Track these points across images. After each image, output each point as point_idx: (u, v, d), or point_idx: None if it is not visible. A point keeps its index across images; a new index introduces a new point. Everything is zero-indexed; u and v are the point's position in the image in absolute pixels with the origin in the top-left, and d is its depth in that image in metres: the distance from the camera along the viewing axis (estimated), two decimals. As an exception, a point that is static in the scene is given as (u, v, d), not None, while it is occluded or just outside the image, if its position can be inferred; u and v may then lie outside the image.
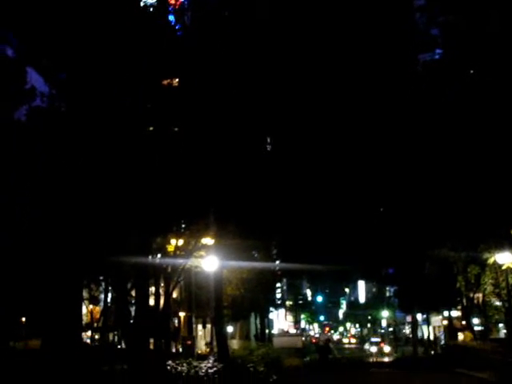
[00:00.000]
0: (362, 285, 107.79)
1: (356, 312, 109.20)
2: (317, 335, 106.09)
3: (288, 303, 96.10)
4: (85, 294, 36.97)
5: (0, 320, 26.37)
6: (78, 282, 10.17)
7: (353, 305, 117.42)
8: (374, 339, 72.69)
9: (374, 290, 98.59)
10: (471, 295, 46.71)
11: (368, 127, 29.52)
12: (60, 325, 9.82)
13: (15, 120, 19.22)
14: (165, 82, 19.64)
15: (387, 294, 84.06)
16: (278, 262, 52.15)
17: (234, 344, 40.54)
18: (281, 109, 23.94)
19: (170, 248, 26.21)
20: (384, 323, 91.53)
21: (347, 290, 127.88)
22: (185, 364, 18.99)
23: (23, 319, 37.89)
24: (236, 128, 20.61)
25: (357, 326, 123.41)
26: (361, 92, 29.00)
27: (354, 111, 28.69)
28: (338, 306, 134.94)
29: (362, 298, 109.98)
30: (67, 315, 9.83)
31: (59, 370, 9.85)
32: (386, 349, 60.39)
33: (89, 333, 40.02)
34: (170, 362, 19.45)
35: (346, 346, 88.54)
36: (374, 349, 62.44)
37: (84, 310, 38.24)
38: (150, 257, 22.93)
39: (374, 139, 30.28)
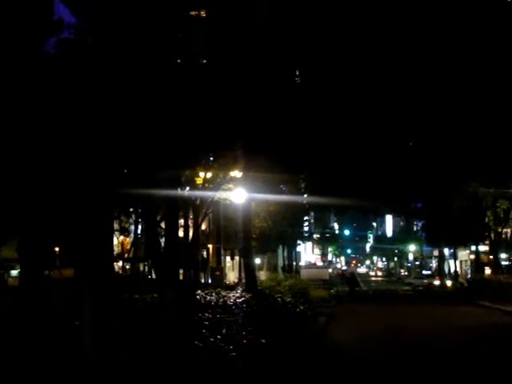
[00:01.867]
0: (389, 219, 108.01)
1: (383, 246, 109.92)
2: (344, 268, 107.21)
3: (315, 236, 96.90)
4: (116, 225, 37.75)
5: (36, 250, 27.11)
6: (110, 212, 10.38)
7: (380, 239, 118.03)
8: (425, 272, 71.23)
9: (401, 224, 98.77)
10: (499, 230, 46.60)
11: (399, 58, 28.91)
12: (92, 255, 10.04)
13: (44, 52, 19.23)
14: (193, 13, 19.38)
15: (414, 229, 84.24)
16: (305, 196, 52.33)
17: (262, 275, 41.25)
18: (310, 39, 23.50)
19: (199, 181, 26.46)
20: (411, 257, 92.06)
21: (374, 224, 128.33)
22: (214, 294, 19.41)
23: (57, 249, 38.97)
24: (265, 59, 20.35)
25: (383, 259, 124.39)
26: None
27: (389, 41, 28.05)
28: (365, 239, 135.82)
29: (389, 232, 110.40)
30: (99, 245, 10.04)
31: (92, 298, 10.13)
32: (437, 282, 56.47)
33: (120, 263, 41.03)
34: (199, 291, 19.91)
35: (373, 278, 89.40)
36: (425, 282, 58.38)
37: (115, 240, 39.10)
38: (180, 189, 23.16)
39: (405, 70, 29.68)
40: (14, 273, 39.83)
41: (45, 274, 33.30)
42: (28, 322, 12.25)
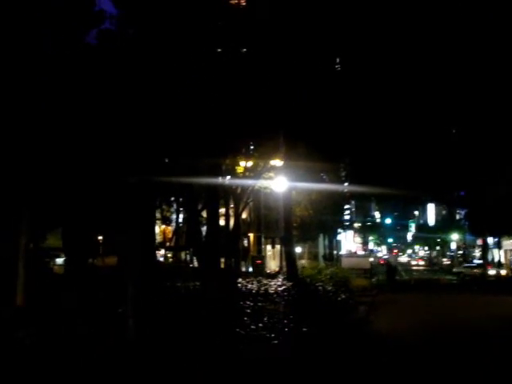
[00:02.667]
0: (431, 207, 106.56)
1: (425, 235, 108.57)
2: (385, 257, 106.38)
3: (356, 225, 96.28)
4: (157, 214, 38.13)
5: (80, 238, 27.59)
6: (152, 202, 10.48)
7: (422, 227, 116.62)
8: (476, 261, 68.72)
9: (443, 212, 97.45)
10: (545, 218, 45.59)
11: (439, 45, 28.43)
12: (135, 243, 10.18)
13: (86, 43, 19.47)
14: (233, 2, 19.38)
15: (457, 217, 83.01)
16: (346, 184, 52.02)
17: (303, 264, 41.13)
18: (351, 26, 23.27)
19: (240, 169, 26.51)
20: (453, 246, 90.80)
21: (416, 212, 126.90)
22: (255, 282, 19.49)
23: (100, 238, 39.56)
24: (306, 47, 20.23)
25: (425, 248, 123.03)
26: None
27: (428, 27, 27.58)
28: (407, 228, 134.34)
29: (431, 221, 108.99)
30: (142, 234, 10.17)
31: (135, 286, 10.29)
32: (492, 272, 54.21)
33: (162, 251, 41.41)
34: (240, 280, 20.00)
35: (414, 268, 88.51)
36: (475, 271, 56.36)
37: (157, 229, 39.52)
38: (220, 178, 23.25)
39: (445, 57, 29.19)
40: (59, 261, 40.58)
41: (89, 262, 33.90)
42: (76, 309, 12.51)
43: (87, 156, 15.98)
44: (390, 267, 45.95)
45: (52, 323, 11.12)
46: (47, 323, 11.18)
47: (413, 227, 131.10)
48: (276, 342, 10.52)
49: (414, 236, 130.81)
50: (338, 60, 27.62)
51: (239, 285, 17.78)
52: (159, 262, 35.77)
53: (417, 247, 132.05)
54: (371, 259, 60.88)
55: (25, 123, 14.61)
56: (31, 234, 17.80)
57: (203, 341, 9.36)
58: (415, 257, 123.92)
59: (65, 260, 34.83)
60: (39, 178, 16.50)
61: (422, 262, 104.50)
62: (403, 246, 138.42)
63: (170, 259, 40.42)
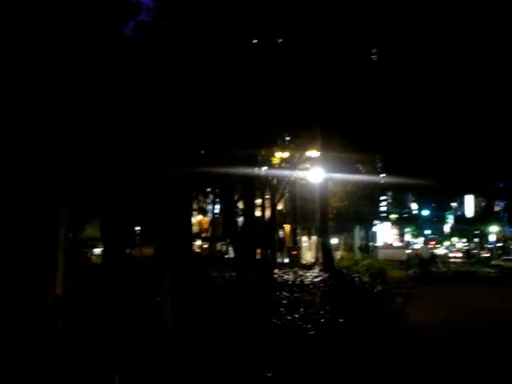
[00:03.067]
0: (470, 199, 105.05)
1: (463, 227, 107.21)
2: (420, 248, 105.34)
3: (393, 216, 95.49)
4: (194, 205, 38.38)
5: (118, 229, 27.94)
6: (189, 192, 10.55)
7: (460, 219, 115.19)
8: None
9: (482, 204, 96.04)
10: None
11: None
12: (172, 234, 10.28)
13: (123, 35, 19.63)
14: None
15: (496, 209, 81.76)
16: (383, 175, 51.60)
17: (339, 255, 40.99)
18: (388, 15, 22.99)
19: (276, 160, 26.52)
20: (492, 238, 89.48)
21: (454, 204, 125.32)
22: (291, 273, 19.52)
23: (137, 228, 40.00)
24: (343, 37, 20.08)
25: (463, 240, 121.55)
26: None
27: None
28: (444, 220, 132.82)
29: (469, 213, 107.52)
30: (178, 225, 10.26)
31: (172, 275, 10.39)
32: None
33: (198, 242, 41.68)
34: (276, 270, 20.05)
35: (452, 260, 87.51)
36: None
37: (193, 220, 39.77)
38: (256, 169, 23.29)
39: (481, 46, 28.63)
40: (97, 251, 41.15)
41: (126, 253, 34.32)
42: (113, 298, 12.68)
43: (126, 148, 16.14)
44: (423, 259, 45.52)
45: (90, 312, 11.31)
46: (85, 312, 11.37)
47: (450, 219, 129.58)
48: (312, 332, 10.52)
49: (451, 228, 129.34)
50: (374, 50, 27.33)
51: (275, 275, 17.82)
52: (195, 252, 36.04)
53: (454, 239, 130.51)
54: (408, 251, 60.41)
55: (64, 116, 14.83)
56: (70, 224, 18.07)
57: (240, 331, 9.40)
58: (453, 249, 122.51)
59: (102, 250, 35.34)
60: (79, 169, 16.73)
61: (459, 255, 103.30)
62: (440, 238, 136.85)
63: (206, 250, 40.67)
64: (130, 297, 12.94)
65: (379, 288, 20.97)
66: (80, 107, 14.48)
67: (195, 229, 41.90)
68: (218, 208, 40.47)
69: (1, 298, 12.19)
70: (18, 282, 15.98)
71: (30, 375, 6.03)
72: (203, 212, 43.99)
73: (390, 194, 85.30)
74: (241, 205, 27.10)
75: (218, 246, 41.64)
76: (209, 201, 41.36)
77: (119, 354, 8.35)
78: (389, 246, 65.46)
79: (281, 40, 20.25)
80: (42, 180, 17.64)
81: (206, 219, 45.22)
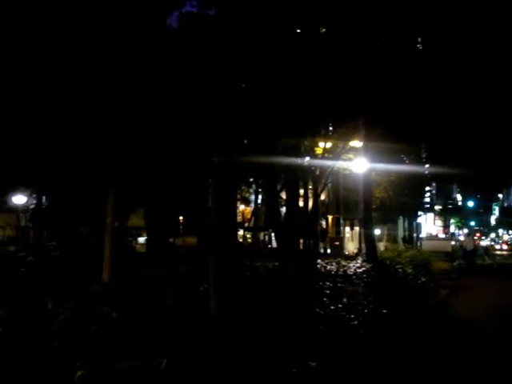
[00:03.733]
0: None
1: (509, 219, 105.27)
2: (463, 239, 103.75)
3: (437, 207, 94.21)
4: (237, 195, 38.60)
5: (161, 218, 28.32)
6: (233, 182, 10.62)
7: (506, 211, 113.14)
8: None
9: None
10: None
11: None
12: (216, 223, 10.34)
13: (167, 26, 19.78)
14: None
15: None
16: (427, 166, 50.89)
17: (382, 246, 40.75)
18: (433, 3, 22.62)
19: (319, 150, 26.40)
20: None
21: (500, 195, 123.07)
22: (333, 263, 19.50)
23: (181, 218, 40.44)
24: (388, 25, 19.85)
25: (510, 232, 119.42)
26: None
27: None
28: (490, 211, 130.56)
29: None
30: (223, 214, 10.31)
31: (217, 265, 10.48)
32: None
33: (241, 232, 41.90)
34: (319, 261, 20.06)
35: (498, 252, 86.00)
36: None
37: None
38: (299, 159, 23.27)
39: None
40: (141, 240, 41.77)
41: (169, 242, 34.78)
42: (157, 286, 12.88)
43: (171, 138, 16.34)
44: (466, 251, 44.84)
45: (135, 299, 11.52)
46: (130, 299, 11.59)
47: (496, 210, 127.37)
48: (356, 322, 10.50)
49: (497, 219, 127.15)
50: (419, 39, 26.93)
51: (318, 266, 17.83)
52: (239, 242, 36.25)
53: (500, 231, 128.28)
54: (453, 242, 59.62)
55: (112, 109, 15.07)
56: (116, 213, 18.41)
57: (283, 320, 9.45)
58: (499, 241, 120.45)
59: (146, 239, 35.90)
60: (124, 160, 17.02)
61: (505, 247, 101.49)
62: (486, 229, 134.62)
63: (249, 240, 40.87)
64: (173, 285, 13.13)
65: (423, 280, 20.78)
66: (127, 99, 14.70)
67: (238, 219, 42.13)
68: (260, 198, 40.59)
69: (55, 284, 12.53)
70: (72, 268, 16.40)
71: (80, 357, 6.20)
72: (246, 202, 44.18)
73: (434, 184, 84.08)
74: (284, 195, 27.11)
75: (261, 235, 41.79)
76: (251, 191, 41.50)
77: (164, 340, 8.48)
78: (433, 238, 64.66)
79: (324, 29, 20.13)
80: (91, 170, 18.02)
81: (249, 209, 45.41)
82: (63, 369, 4.89)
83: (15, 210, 35.94)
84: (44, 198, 34.00)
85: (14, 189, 31.77)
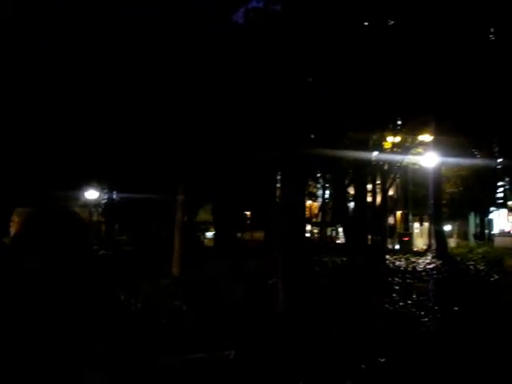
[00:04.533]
0: None
1: None
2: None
3: (510, 203, 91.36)
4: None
5: (229, 213, 28.56)
6: (302, 176, 10.58)
7: None
8: None
9: None
10: None
11: None
12: (285, 217, 10.33)
13: (233, 22, 19.88)
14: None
15: None
16: (499, 160, 49.43)
17: (452, 242, 39.85)
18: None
19: (387, 145, 26.07)
20: None
21: None
22: (402, 259, 19.25)
23: (247, 213, 40.66)
24: (458, 20, 19.36)
25: None
26: None
27: None
28: None
29: None
30: (292, 208, 10.30)
31: (285, 259, 10.48)
32: None
33: (308, 227, 41.76)
34: (387, 256, 19.82)
35: None
36: None
37: (303, 205, 39.84)
38: (367, 154, 23.03)
39: None
40: (209, 234, 42.21)
41: (237, 236, 35.02)
42: (224, 280, 13.01)
43: (239, 133, 16.45)
44: None
45: (203, 292, 11.68)
46: (199, 292, 11.76)
47: None
48: (426, 319, 10.33)
49: None
50: (492, 30, 26.18)
51: (387, 261, 17.63)
52: (306, 237, 36.12)
53: None
54: (527, 239, 57.65)
55: (180, 103, 15.29)
56: (185, 208, 18.69)
57: (352, 315, 9.39)
58: None
59: (214, 234, 36.26)
60: (193, 156, 17.25)
61: None
62: None
63: (316, 235, 40.72)
64: (241, 279, 13.23)
65: (496, 277, 20.22)
66: (197, 95, 14.87)
67: (305, 214, 42.03)
68: (327, 193, 40.38)
69: (127, 277, 12.82)
70: (142, 262, 16.75)
71: (153, 347, 6.34)
72: (313, 197, 44.01)
73: (507, 179, 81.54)
74: (351, 190, 26.88)
75: (328, 231, 41.58)
76: (319, 186, 41.33)
77: (232, 333, 8.56)
78: (506, 234, 62.76)
79: (392, 22, 19.81)
80: (161, 166, 18.34)
81: (316, 204, 45.24)
82: (138, 357, 5.00)
83: (87, 205, 36.93)
84: (115, 193, 34.80)
85: (87, 184, 32.65)
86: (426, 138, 26.10)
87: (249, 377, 5.91)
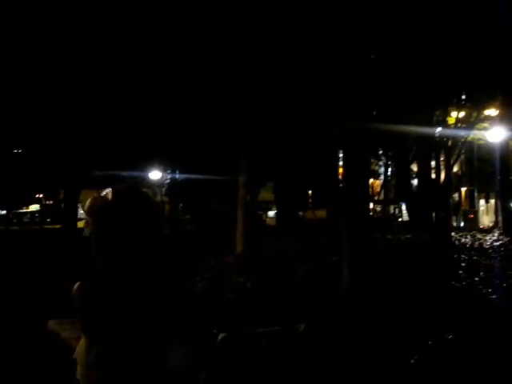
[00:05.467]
0: None
1: None
2: None
3: None
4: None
5: (290, 192, 28.58)
6: (365, 151, 10.51)
7: None
8: None
9: None
10: None
11: None
12: (350, 195, 10.31)
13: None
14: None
15: None
16: None
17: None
18: None
19: (451, 120, 25.54)
20: None
21: None
22: (468, 236, 18.92)
23: (309, 192, 40.67)
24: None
25: None
26: None
27: None
28: None
29: None
30: (354, 186, 10.27)
31: (349, 236, 10.48)
32: None
33: (370, 205, 41.48)
34: (452, 234, 19.53)
35: None
36: None
37: (365, 183, 39.56)
38: (431, 130, 22.63)
39: None
40: (271, 213, 42.43)
41: (299, 215, 35.07)
42: (288, 257, 13.10)
43: (301, 107, 16.39)
44: None
45: (267, 269, 11.79)
46: (263, 269, 11.88)
47: None
48: (494, 297, 10.15)
49: None
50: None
51: (452, 239, 17.39)
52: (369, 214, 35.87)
53: None
54: None
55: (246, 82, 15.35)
56: (247, 187, 18.82)
57: (417, 291, 9.33)
58: None
59: (276, 213, 36.42)
60: (255, 134, 17.32)
61: None
62: None
63: (379, 213, 40.43)
64: (304, 256, 13.29)
65: None
66: (260, 74, 14.89)
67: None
68: (390, 171, 39.94)
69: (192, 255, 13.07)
70: (206, 241, 17.01)
71: (223, 322, 6.49)
72: (375, 175, 43.62)
73: None
74: (414, 167, 26.51)
75: (391, 209, 41.20)
76: (381, 163, 40.92)
77: (297, 308, 8.64)
78: None
79: None
80: (223, 145, 18.52)
81: (378, 182, 44.83)
82: (206, 332, 5.13)
83: (151, 186, 37.64)
84: (178, 173, 35.32)
85: (150, 165, 33.22)
86: (492, 112, 25.44)
87: (319, 349, 5.99)
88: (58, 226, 37.47)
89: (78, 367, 2.37)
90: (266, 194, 36.21)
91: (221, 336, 3.96)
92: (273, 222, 36.03)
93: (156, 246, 2.45)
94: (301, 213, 35.88)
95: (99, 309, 2.26)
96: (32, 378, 7.93)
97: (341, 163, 20.52)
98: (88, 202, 2.42)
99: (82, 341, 2.37)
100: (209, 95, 17.04)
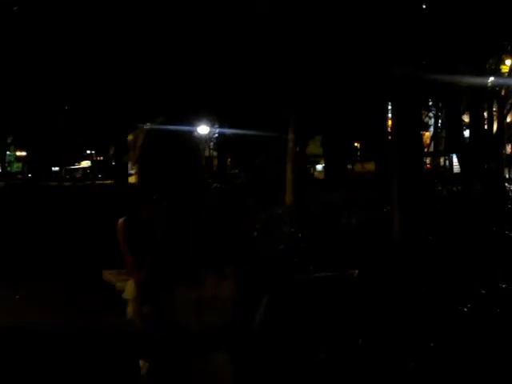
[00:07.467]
0: None
1: None
2: None
3: None
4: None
5: (339, 145, 28.43)
6: (417, 102, 10.31)
7: None
8: None
9: None
10: None
11: None
12: (401, 147, 10.17)
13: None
14: None
15: None
16: None
17: None
18: None
19: (505, 69, 24.83)
20: None
21: None
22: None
23: (358, 145, 40.31)
24: None
25: None
26: None
27: None
28: None
29: None
30: (405, 138, 10.11)
31: (402, 189, 10.38)
32: None
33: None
34: (505, 184, 19.20)
35: None
36: None
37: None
38: (483, 79, 22.03)
39: None
40: (319, 167, 42.29)
41: (347, 168, 34.89)
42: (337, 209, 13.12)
43: (348, 60, 16.17)
44: None
45: (317, 220, 11.86)
46: (313, 220, 11.95)
47: None
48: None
49: None
50: None
51: (506, 189, 17.11)
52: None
53: None
54: None
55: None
56: (296, 141, 18.79)
57: (469, 241, 9.26)
58: None
59: (324, 166, 36.28)
60: (303, 86, 17.19)
61: None
62: None
63: (428, 165, 39.93)
64: (354, 207, 13.27)
65: None
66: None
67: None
68: (440, 122, 39.20)
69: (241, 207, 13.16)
70: (255, 194, 17.13)
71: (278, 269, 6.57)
72: (425, 127, 42.90)
73: None
74: (465, 118, 25.96)
75: (441, 161, 40.62)
76: (431, 115, 40.17)
77: (349, 256, 8.68)
78: None
79: None
80: (272, 98, 18.43)
81: (428, 134, 44.13)
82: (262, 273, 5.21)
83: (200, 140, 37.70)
84: (226, 127, 35.36)
85: (198, 119, 33.34)
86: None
87: (371, 294, 6.05)
88: (109, 182, 38.14)
89: (129, 305, 2.41)
90: (314, 148, 36.05)
91: (277, 278, 4.02)
92: (321, 176, 35.95)
93: (198, 180, 2.46)
94: (349, 166, 35.68)
95: (149, 242, 2.29)
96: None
97: (389, 115, 20.23)
98: (130, 137, 2.44)
99: (130, 281, 2.41)
100: (259, 51, 16.93)
